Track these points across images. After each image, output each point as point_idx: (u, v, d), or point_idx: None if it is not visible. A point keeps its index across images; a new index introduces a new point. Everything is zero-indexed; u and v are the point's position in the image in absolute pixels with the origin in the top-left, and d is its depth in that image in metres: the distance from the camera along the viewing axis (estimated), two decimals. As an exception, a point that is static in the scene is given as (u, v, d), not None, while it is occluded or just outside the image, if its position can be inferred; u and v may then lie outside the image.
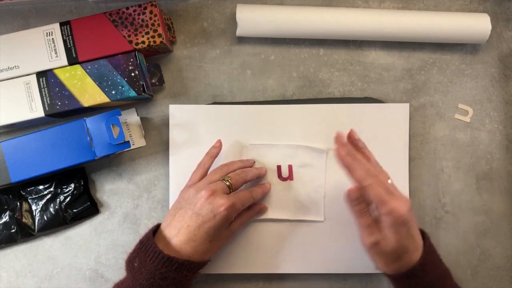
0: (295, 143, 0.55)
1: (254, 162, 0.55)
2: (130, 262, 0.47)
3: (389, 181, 0.47)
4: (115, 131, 0.50)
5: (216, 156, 0.53)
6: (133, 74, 0.52)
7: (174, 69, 0.58)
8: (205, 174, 0.52)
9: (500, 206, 0.57)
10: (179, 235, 0.46)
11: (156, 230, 0.49)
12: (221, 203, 0.47)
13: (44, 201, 0.55)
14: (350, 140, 0.49)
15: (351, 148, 0.47)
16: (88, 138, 0.51)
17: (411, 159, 0.57)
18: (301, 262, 0.55)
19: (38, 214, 0.55)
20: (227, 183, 0.49)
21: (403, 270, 0.45)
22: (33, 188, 0.55)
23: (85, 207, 0.55)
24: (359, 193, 0.46)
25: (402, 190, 0.55)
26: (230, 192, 0.49)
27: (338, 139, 0.47)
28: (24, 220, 0.55)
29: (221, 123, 0.56)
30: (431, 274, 0.45)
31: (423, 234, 0.47)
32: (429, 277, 0.45)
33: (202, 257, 0.47)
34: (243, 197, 0.50)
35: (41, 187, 0.55)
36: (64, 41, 0.53)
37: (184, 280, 0.46)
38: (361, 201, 0.46)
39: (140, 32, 0.53)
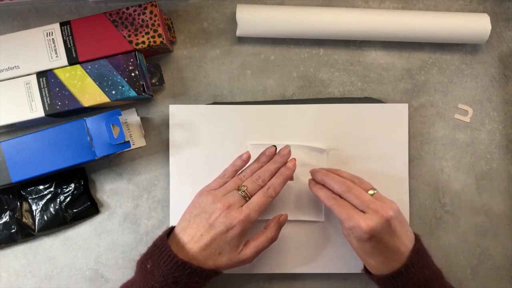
0: (295, 143, 0.55)
1: (275, 147, 0.52)
2: (143, 263, 0.47)
3: (371, 191, 0.48)
4: (115, 131, 0.50)
5: (240, 169, 0.52)
6: (133, 74, 0.52)
7: (174, 69, 0.58)
8: (225, 183, 0.51)
9: (500, 206, 0.57)
10: (192, 242, 0.47)
11: (169, 232, 0.49)
12: (235, 217, 0.46)
13: (44, 201, 0.55)
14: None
15: (323, 172, 0.51)
16: (88, 138, 0.51)
17: (411, 159, 0.57)
18: (301, 262, 0.55)
19: (38, 214, 0.55)
20: (243, 193, 0.48)
21: (385, 272, 0.47)
22: (33, 188, 0.55)
23: (85, 207, 0.55)
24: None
25: (402, 190, 0.56)
26: (246, 201, 0.48)
27: (312, 172, 0.52)
28: (24, 220, 0.55)
29: (221, 123, 0.56)
30: (419, 275, 0.46)
31: (415, 235, 0.49)
32: (416, 278, 0.46)
33: (213, 268, 0.47)
34: (257, 204, 0.48)
35: (41, 187, 0.55)
36: (64, 41, 0.53)
37: (195, 286, 0.46)
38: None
39: (140, 32, 0.53)
